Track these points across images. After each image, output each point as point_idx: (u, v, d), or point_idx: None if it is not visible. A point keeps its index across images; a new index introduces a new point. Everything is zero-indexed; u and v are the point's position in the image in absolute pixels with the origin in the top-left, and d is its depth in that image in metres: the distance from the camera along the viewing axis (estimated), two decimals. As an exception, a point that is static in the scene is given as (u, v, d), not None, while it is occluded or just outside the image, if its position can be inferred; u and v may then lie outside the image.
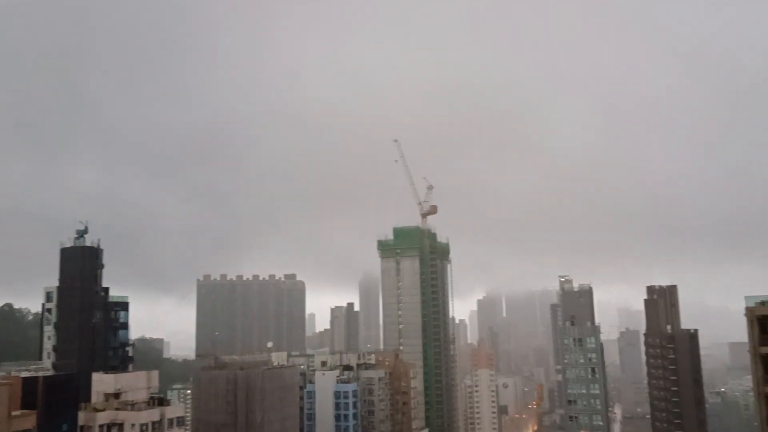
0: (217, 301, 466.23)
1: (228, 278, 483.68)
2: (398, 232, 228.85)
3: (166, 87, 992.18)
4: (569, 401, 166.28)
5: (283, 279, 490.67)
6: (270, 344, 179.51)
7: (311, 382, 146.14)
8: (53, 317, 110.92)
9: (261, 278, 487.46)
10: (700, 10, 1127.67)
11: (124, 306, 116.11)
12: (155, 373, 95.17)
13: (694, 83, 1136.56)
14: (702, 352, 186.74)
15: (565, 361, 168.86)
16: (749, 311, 64.50)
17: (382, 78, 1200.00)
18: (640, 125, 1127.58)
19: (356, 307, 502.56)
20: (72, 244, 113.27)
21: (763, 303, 64.78)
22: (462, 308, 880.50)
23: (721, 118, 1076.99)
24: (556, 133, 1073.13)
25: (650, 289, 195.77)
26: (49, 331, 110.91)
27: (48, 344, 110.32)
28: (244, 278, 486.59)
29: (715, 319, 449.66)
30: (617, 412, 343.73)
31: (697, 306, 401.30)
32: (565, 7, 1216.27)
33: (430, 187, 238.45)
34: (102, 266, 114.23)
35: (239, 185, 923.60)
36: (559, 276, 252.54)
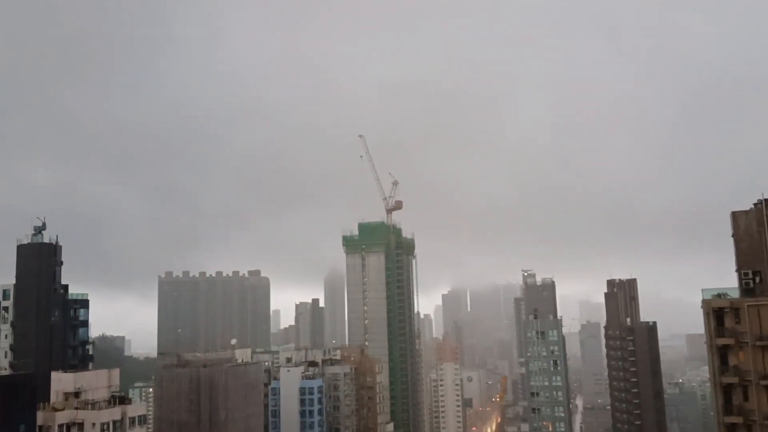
0: (180, 298, 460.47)
1: (190, 275, 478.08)
2: (363, 228, 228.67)
3: (126, 82, 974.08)
4: (532, 393, 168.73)
5: (246, 275, 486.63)
6: (234, 341, 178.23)
7: (276, 378, 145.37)
8: (10, 316, 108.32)
9: (224, 274, 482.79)
10: (654, 11, 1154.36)
11: (83, 304, 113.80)
12: (116, 372, 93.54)
13: (649, 82, 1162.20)
14: (660, 343, 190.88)
15: (528, 353, 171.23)
16: (705, 303, 66.03)
17: (345, 74, 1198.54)
18: (598, 123, 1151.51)
19: (321, 303, 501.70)
20: (29, 241, 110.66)
21: (719, 295, 66.34)
22: (427, 303, 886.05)
23: (676, 117, 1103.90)
24: (517, 130, 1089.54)
25: (610, 283, 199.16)
26: (5, 329, 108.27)
27: (5, 343, 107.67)
28: (207, 275, 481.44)
29: (673, 311, 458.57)
30: (578, 403, 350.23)
31: (655, 299, 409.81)
32: (525, 6, 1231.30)
33: (395, 183, 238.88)
34: (60, 263, 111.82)
35: (201, 181, 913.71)
36: (523, 270, 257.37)
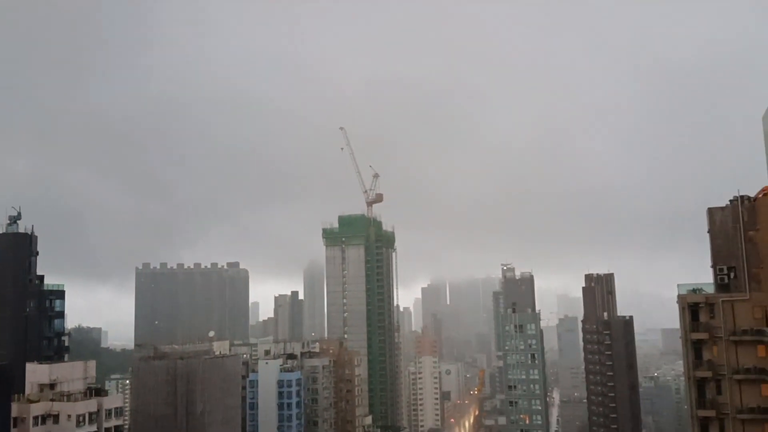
0: (157, 290, 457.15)
1: (168, 266, 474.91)
2: (344, 221, 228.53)
3: (105, 72, 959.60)
4: (509, 386, 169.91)
5: (225, 267, 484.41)
6: (212, 333, 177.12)
7: (254, 371, 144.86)
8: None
9: (203, 266, 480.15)
10: (635, 12, 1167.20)
11: (59, 294, 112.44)
12: (92, 363, 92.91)
13: (629, 83, 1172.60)
14: (636, 337, 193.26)
15: (506, 347, 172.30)
16: (681, 299, 66.90)
17: (329, 68, 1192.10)
18: (579, 122, 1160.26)
19: (300, 296, 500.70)
20: (3, 231, 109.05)
21: (694, 291, 67.24)
22: (406, 296, 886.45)
23: (654, 116, 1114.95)
24: (499, 127, 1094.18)
25: (588, 278, 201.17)
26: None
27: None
28: (186, 266, 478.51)
29: (650, 306, 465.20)
30: (555, 396, 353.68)
31: (632, 293, 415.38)
32: (509, 6, 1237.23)
33: (376, 176, 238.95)
34: (36, 253, 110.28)
35: (181, 172, 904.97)
36: (502, 264, 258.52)
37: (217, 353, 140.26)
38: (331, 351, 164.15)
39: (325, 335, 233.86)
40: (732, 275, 65.56)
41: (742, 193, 66.42)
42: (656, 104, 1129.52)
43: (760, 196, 64.55)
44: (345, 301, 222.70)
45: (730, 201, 66.90)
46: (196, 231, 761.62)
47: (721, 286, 66.01)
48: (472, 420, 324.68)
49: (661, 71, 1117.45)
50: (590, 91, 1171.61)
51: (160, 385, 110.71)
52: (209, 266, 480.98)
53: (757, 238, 63.14)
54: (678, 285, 68.84)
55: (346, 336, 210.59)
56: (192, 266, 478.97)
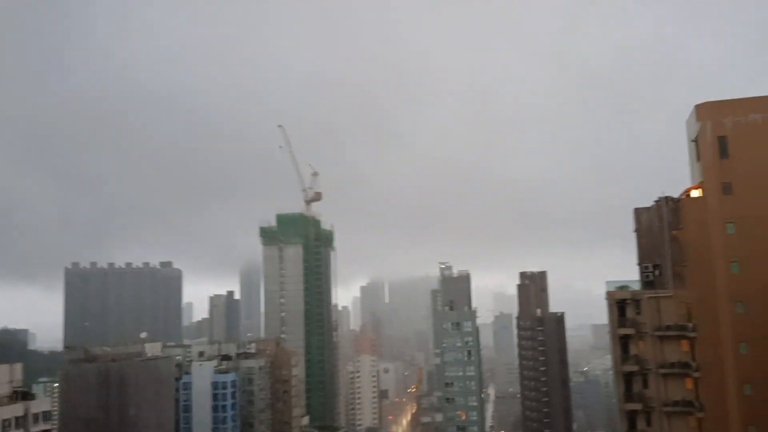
0: (87, 290, 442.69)
1: (99, 266, 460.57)
2: (282, 219, 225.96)
3: (34, 65, 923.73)
4: (446, 383, 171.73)
5: (158, 267, 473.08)
6: (144, 335, 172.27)
7: (188, 373, 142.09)
8: None
9: (135, 266, 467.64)
10: (563, 16, 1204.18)
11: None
12: (18, 366, 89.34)
13: (559, 85, 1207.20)
14: (568, 333, 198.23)
15: (444, 344, 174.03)
16: (609, 295, 69.01)
17: (265, 64, 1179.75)
18: (512, 121, 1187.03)
19: (236, 296, 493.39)
20: None
21: (621, 288, 69.46)
22: (345, 295, 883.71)
23: (583, 116, 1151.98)
24: (435, 126, 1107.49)
25: (523, 275, 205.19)
26: None
27: None
28: (117, 266, 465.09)
29: (580, 302, 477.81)
30: (491, 392, 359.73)
31: (564, 290, 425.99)
32: (444, 6, 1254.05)
33: (314, 174, 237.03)
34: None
35: (113, 169, 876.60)
36: (440, 263, 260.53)
37: (150, 355, 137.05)
38: (267, 351, 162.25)
39: (262, 336, 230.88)
40: (657, 273, 68.03)
41: (666, 194, 69.04)
42: (585, 106, 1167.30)
43: (684, 197, 67.17)
44: (283, 300, 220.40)
45: (656, 201, 69.40)
46: (127, 229, 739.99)
47: (647, 283, 68.41)
48: (409, 418, 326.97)
49: (588, 74, 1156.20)
50: (521, 93, 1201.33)
51: (90, 388, 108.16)
52: (141, 266, 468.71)
53: (680, 237, 65.65)
54: (607, 282, 71.00)
55: (283, 336, 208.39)
56: (123, 266, 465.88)
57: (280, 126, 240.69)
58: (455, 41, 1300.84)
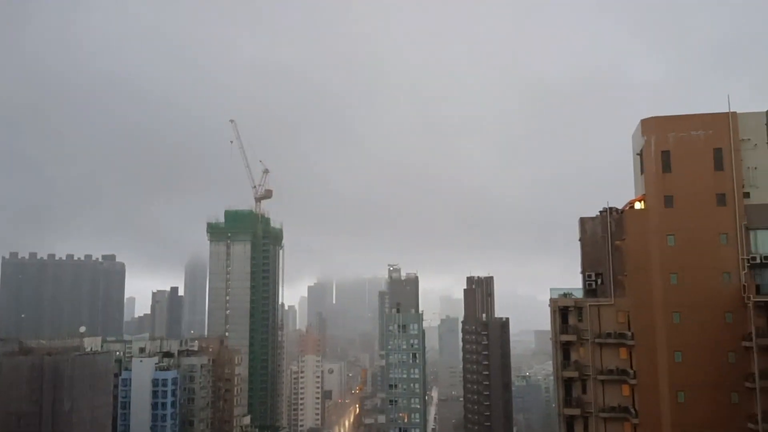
0: (25, 281, 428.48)
1: (38, 257, 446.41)
2: (230, 215, 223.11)
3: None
4: (390, 385, 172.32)
5: (100, 260, 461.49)
6: (82, 329, 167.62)
7: (128, 369, 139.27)
8: None
9: (76, 258, 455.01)
10: (515, 32, 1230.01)
11: None
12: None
13: (508, 97, 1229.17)
14: (511, 338, 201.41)
15: (389, 346, 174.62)
16: (552, 302, 70.24)
17: (215, 58, 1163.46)
18: (462, 127, 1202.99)
19: (180, 292, 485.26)
20: None
21: (564, 295, 70.77)
22: (292, 294, 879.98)
23: (532, 126, 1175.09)
24: (387, 127, 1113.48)
25: (469, 280, 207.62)
26: None
27: None
28: (57, 257, 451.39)
29: (525, 308, 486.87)
30: (434, 394, 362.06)
31: (509, 296, 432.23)
32: (398, 9, 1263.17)
33: (266, 171, 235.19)
34: None
35: (54, 154, 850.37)
36: (389, 265, 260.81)
37: (89, 350, 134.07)
38: (210, 349, 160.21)
39: (206, 333, 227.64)
40: (599, 281, 69.63)
41: (611, 205, 70.80)
42: (534, 118, 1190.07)
43: (627, 208, 68.95)
44: (228, 298, 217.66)
45: (600, 212, 71.06)
46: (70, 219, 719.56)
47: (589, 291, 69.93)
48: (352, 419, 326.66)
49: (538, 87, 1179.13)
50: (473, 101, 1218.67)
51: (24, 381, 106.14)
52: (83, 258, 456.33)
53: (623, 247, 67.31)
54: (551, 289, 72.27)
55: (227, 334, 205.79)
56: (64, 257, 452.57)
57: (231, 121, 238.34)
58: (412, 46, 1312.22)
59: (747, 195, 62.68)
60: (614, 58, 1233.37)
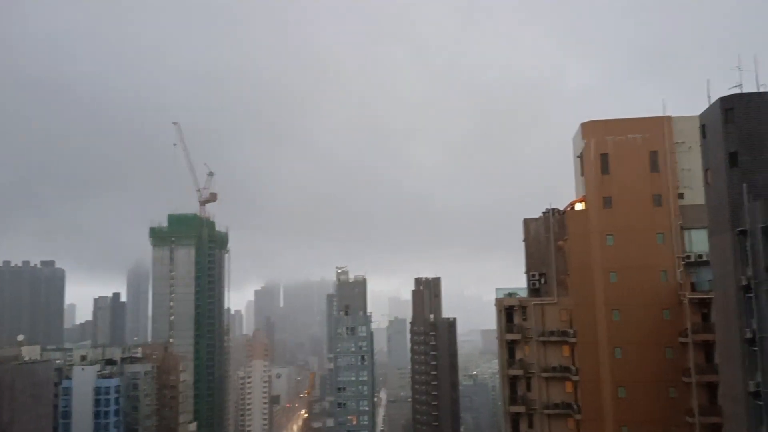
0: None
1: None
2: (174, 219, 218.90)
3: None
4: (339, 388, 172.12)
5: (39, 266, 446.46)
6: (21, 337, 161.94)
7: (68, 377, 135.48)
8: None
9: (13, 264, 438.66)
10: (452, 30, 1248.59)
11: None
12: None
13: (447, 94, 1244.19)
14: (459, 338, 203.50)
15: (338, 349, 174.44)
16: (498, 302, 71.70)
17: (156, 59, 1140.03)
18: (406, 128, 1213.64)
19: (123, 298, 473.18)
20: None
21: (509, 295, 72.33)
22: (239, 299, 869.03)
23: (472, 128, 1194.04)
24: (330, 128, 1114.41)
25: (417, 281, 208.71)
26: None
27: None
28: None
29: (471, 308, 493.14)
30: (383, 396, 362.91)
31: (456, 296, 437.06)
32: (341, 10, 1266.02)
33: (210, 174, 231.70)
34: None
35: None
36: (336, 267, 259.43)
37: (27, 359, 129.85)
38: (154, 356, 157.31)
39: (149, 340, 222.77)
40: (543, 281, 71.40)
41: (553, 207, 72.69)
42: (474, 117, 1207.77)
43: (569, 209, 70.90)
44: (172, 303, 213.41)
45: (543, 213, 72.89)
46: (5, 224, 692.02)
47: (533, 290, 71.65)
48: (300, 423, 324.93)
49: (474, 87, 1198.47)
50: (418, 104, 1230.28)
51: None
52: (20, 264, 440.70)
53: (565, 247, 69.21)
54: (496, 289, 73.75)
55: (172, 340, 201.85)
56: (1, 264, 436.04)
57: (175, 123, 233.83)
58: (354, 45, 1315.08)
59: (681, 196, 65.29)
60: (548, 64, 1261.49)
